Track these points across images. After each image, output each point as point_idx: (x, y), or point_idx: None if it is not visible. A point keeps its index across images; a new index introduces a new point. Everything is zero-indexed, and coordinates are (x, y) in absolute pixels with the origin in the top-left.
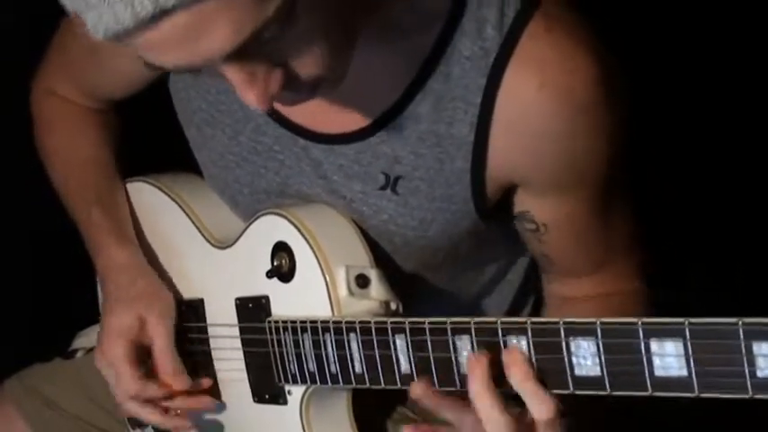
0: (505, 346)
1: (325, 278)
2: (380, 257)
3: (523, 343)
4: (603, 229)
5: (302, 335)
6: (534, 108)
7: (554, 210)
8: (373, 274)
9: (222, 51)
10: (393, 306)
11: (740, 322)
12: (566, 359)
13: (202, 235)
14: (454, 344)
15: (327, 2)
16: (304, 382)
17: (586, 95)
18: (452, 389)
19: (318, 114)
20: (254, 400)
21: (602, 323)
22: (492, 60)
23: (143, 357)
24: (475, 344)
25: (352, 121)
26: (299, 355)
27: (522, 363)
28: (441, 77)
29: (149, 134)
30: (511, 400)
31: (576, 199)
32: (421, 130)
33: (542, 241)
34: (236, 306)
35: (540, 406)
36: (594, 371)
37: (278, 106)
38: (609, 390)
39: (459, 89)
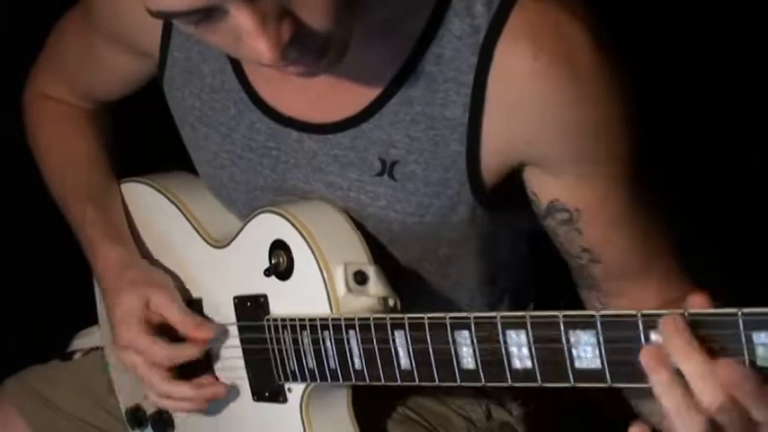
0: (505, 339)
1: (323, 275)
2: (380, 249)
3: (522, 337)
4: (640, 215)
5: (301, 333)
6: (532, 79)
7: (582, 190)
8: (371, 271)
9: None
10: (391, 302)
11: (740, 312)
12: (566, 352)
13: (199, 234)
14: (454, 339)
15: None
16: (304, 379)
17: (583, 60)
18: (453, 384)
19: (311, 105)
20: (254, 399)
21: (601, 316)
22: (482, 37)
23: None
24: (474, 338)
25: (345, 108)
26: (298, 353)
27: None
28: (432, 59)
29: (144, 134)
30: None
31: (600, 176)
32: (415, 112)
33: (579, 230)
34: (235, 305)
35: None
36: (595, 363)
37: (271, 101)
38: (609, 382)
39: (452, 70)
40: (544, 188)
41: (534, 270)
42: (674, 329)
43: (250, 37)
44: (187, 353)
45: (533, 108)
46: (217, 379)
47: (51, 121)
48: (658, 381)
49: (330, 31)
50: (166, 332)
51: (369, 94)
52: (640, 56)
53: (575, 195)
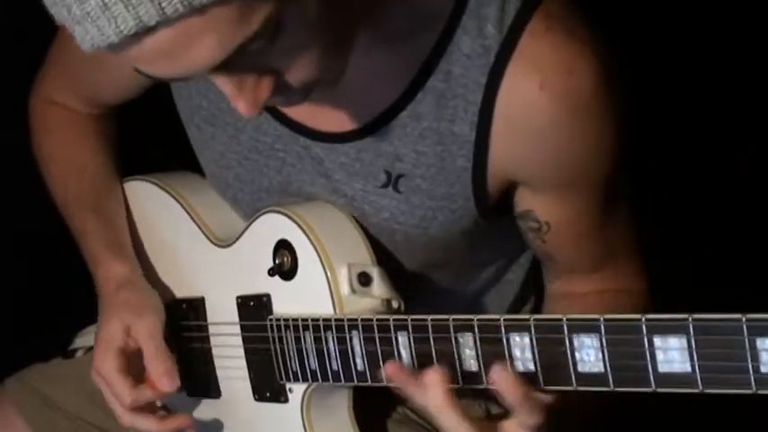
0: (508, 342)
1: (327, 276)
2: (382, 255)
3: (526, 340)
4: (606, 228)
5: (304, 333)
6: (535, 108)
7: (558, 209)
8: (375, 272)
9: (207, 65)
10: (395, 304)
11: (744, 318)
12: (569, 355)
13: (203, 233)
14: (457, 341)
15: (316, 13)
16: (305, 379)
17: (586, 96)
18: (455, 386)
19: (319, 113)
20: (255, 399)
21: (605, 320)
22: (492, 59)
23: (136, 364)
24: (478, 341)
25: (353, 119)
26: (300, 353)
27: (513, 383)
28: (442, 75)
29: (151, 134)
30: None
31: (580, 198)
32: (422, 128)
33: (545, 240)
34: (238, 304)
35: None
36: (598, 367)
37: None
38: (612, 386)
39: (460, 87)
40: (524, 198)
41: (536, 271)
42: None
43: (229, 98)
44: (147, 397)
45: (533, 134)
46: (217, 377)
47: (55, 128)
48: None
49: (315, 80)
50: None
51: (377, 107)
52: (633, 56)
53: (549, 212)
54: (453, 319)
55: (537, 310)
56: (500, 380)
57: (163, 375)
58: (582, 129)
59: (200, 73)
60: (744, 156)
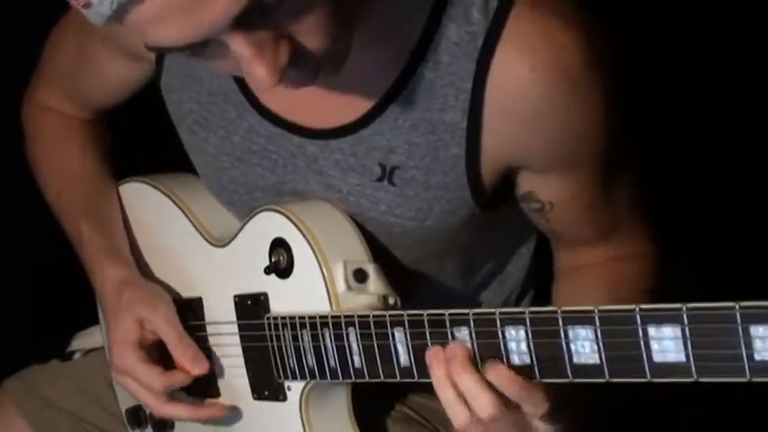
0: (504, 336)
1: (323, 274)
2: (379, 250)
3: (521, 332)
4: (609, 199)
5: (301, 330)
6: (528, 89)
7: (558, 187)
8: (371, 269)
9: (226, 18)
10: (391, 300)
11: (737, 306)
12: (564, 347)
13: (199, 233)
14: (453, 335)
15: None
16: (303, 377)
17: (578, 70)
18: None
19: (311, 111)
20: (254, 397)
21: (599, 311)
22: (480, 44)
23: (157, 355)
24: (474, 335)
25: (345, 114)
26: (297, 351)
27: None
28: (430, 65)
29: (145, 135)
30: None
31: (580, 175)
32: (414, 118)
33: (548, 219)
34: (235, 303)
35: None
36: (593, 358)
37: (270, 104)
38: (608, 377)
39: (449, 75)
40: (524, 180)
41: (536, 263)
42: (435, 362)
43: (248, 64)
44: (181, 379)
45: (528, 115)
46: (216, 376)
47: (47, 135)
48: (445, 399)
49: (327, 50)
50: (162, 350)
51: (368, 101)
52: (629, 42)
53: (552, 191)
54: (449, 314)
55: (536, 303)
56: (495, 376)
57: (193, 359)
58: (577, 104)
59: (217, 31)
60: (744, 146)
